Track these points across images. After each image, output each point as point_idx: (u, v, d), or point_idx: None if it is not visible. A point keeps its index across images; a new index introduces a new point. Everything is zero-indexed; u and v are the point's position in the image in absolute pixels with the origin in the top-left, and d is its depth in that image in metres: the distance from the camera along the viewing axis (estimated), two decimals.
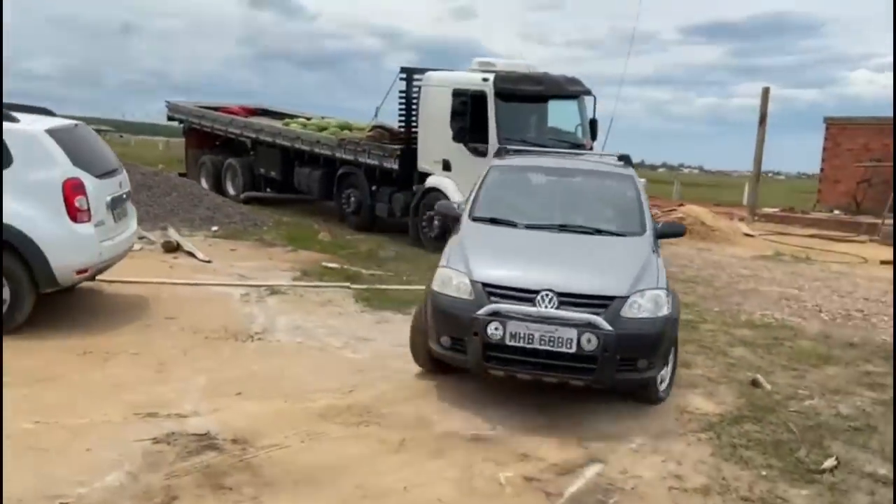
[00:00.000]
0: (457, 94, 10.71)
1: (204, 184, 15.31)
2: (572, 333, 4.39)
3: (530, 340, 4.43)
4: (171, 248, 9.91)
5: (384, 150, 12.01)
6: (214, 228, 11.84)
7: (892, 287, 10.06)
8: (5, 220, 5.50)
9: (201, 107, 16.98)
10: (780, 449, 4.32)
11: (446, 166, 10.99)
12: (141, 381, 4.87)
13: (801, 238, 15.83)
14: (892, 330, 7.50)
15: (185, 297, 7.37)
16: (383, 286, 8.32)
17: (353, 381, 5.11)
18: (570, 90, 11.01)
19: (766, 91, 18.76)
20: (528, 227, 5.51)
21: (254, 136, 15.01)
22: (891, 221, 16.42)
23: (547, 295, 4.52)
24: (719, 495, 3.72)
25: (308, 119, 15.14)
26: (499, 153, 6.83)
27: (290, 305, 7.24)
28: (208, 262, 9.43)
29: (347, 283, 8.38)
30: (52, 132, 5.85)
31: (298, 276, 8.75)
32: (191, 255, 9.69)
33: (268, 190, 15.79)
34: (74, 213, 5.71)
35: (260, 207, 14.47)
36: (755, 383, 5.49)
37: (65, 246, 5.68)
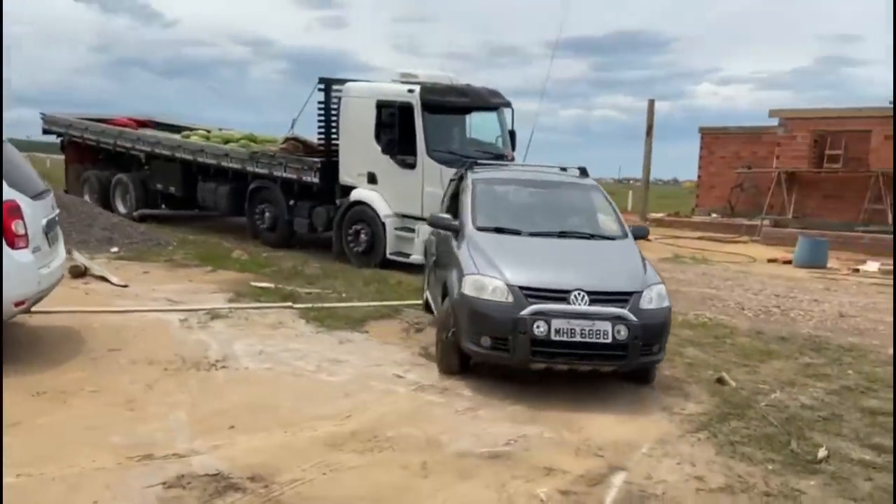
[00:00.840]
0: (381, 105, 10.60)
1: (88, 201, 14.24)
2: (607, 326, 5.06)
3: (572, 334, 5.03)
4: (79, 272, 9.13)
5: (303, 163, 11.67)
6: (114, 250, 11.06)
7: (792, 283, 10.97)
8: None
9: (83, 118, 15.83)
10: (772, 443, 4.57)
11: (372, 179, 10.83)
12: (115, 420, 4.44)
13: (692, 241, 16.89)
14: (809, 323, 8.15)
15: (118, 325, 6.81)
16: (327, 304, 8.05)
17: (345, 405, 4.91)
18: (494, 102, 11.18)
19: (651, 103, 19.93)
20: (532, 234, 6.05)
21: (149, 149, 14.15)
22: (767, 223, 17.90)
23: (579, 294, 5.16)
24: (743, 493, 3.88)
25: (208, 131, 14.46)
26: (469, 167, 7.06)
27: (240, 330, 6.86)
28: (125, 286, 8.78)
29: (289, 304, 8.06)
30: None
31: (232, 297, 8.33)
32: (103, 279, 8.98)
33: (163, 206, 14.94)
34: (12, 239, 5.14)
35: (158, 225, 13.64)
36: (721, 381, 5.78)
37: (4, 276, 5.09)
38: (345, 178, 11.26)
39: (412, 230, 10.47)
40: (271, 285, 9.06)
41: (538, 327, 5.03)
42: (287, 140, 12.43)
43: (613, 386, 5.53)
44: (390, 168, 10.58)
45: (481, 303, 5.25)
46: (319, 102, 11.39)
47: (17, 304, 5.28)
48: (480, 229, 6.04)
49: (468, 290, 5.35)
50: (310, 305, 7.96)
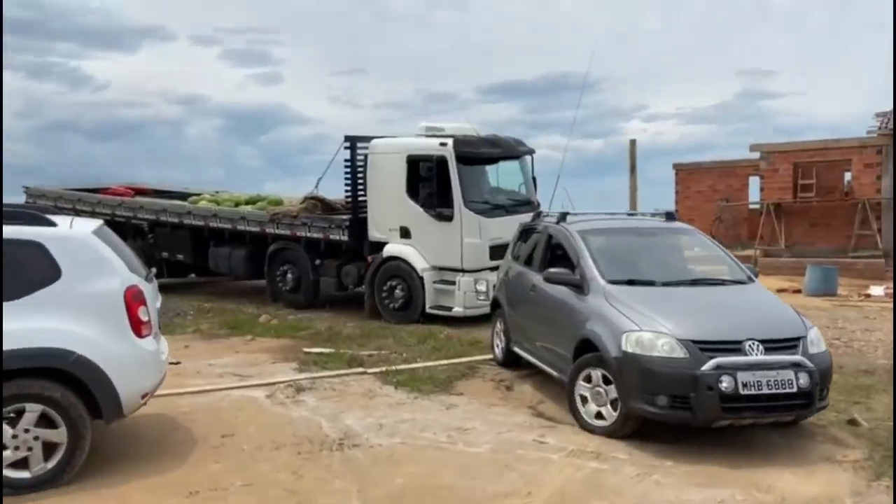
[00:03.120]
0: (413, 160, 10.51)
1: None
2: (790, 374, 4.92)
3: (759, 387, 4.87)
4: None
5: (330, 221, 11.45)
6: None
7: (824, 312, 11.20)
8: (56, 343, 4.50)
9: (72, 189, 15.23)
10: None
11: (405, 233, 10.68)
12: None
13: None
14: (877, 353, 8.30)
15: (208, 407, 6.46)
16: (401, 367, 7.82)
17: (515, 480, 4.69)
18: (521, 151, 11.24)
19: (632, 143, 20.30)
20: (666, 284, 5.93)
21: (153, 217, 13.66)
22: (759, 254, 18.39)
23: (753, 343, 5.02)
24: None
25: (213, 195, 14.10)
26: (562, 218, 6.97)
27: (336, 402, 6.57)
28: (178, 363, 8.31)
29: (362, 369, 7.80)
30: (97, 233, 4.93)
31: (299, 367, 8.01)
32: None
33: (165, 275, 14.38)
34: (139, 327, 4.81)
35: (165, 295, 13.08)
36: (853, 422, 5.75)
37: (132, 367, 4.75)
38: (375, 234, 11.07)
39: (452, 282, 10.33)
40: (328, 350, 8.77)
41: (723, 382, 4.84)
42: (306, 199, 12.20)
43: (755, 435, 5.46)
44: (424, 221, 10.45)
45: (653, 360, 5.06)
46: (346, 160, 11.23)
47: (143, 397, 4.92)
48: (613, 282, 5.86)
49: (632, 347, 5.17)
50: (384, 369, 7.72)
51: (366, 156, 11.12)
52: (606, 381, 5.45)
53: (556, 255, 6.84)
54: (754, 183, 22.60)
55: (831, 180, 19.94)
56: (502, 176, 11.52)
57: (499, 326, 7.88)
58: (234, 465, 4.97)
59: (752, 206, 22.12)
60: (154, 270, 5.88)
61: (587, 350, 5.64)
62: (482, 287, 10.19)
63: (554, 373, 6.35)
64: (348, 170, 11.23)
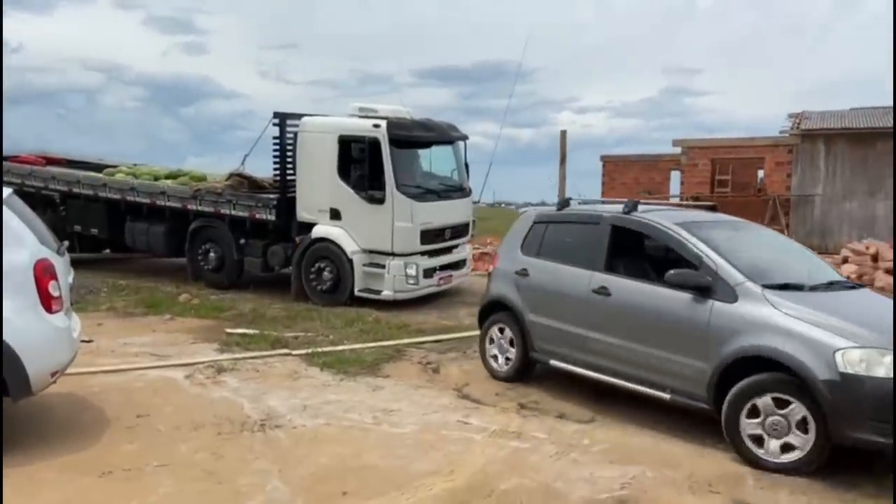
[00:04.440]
0: (345, 140, 10.37)
1: None
2: None
3: None
4: None
5: (257, 200, 11.17)
6: None
7: None
8: None
9: None
10: None
11: (335, 215, 10.53)
12: (214, 498, 4.05)
13: None
14: None
15: (122, 387, 6.23)
16: (327, 349, 7.73)
17: (439, 459, 4.73)
18: (455, 136, 11.23)
19: (563, 133, 20.60)
20: (813, 288, 5.25)
21: (65, 188, 13.01)
22: None
23: None
24: None
25: (130, 168, 13.53)
26: (632, 207, 6.07)
27: (259, 383, 6.45)
28: (90, 341, 8.01)
29: (286, 350, 7.68)
30: (6, 203, 4.65)
31: (220, 347, 7.82)
32: None
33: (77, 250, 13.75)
34: (49, 303, 4.58)
35: (77, 272, 12.50)
36: None
37: (41, 344, 4.52)
38: (303, 214, 10.87)
39: (382, 266, 10.27)
40: (252, 331, 8.59)
41: None
42: (231, 176, 11.85)
43: (662, 410, 5.66)
44: (356, 204, 10.33)
45: (884, 382, 4.29)
46: (274, 138, 10.96)
47: (52, 374, 4.70)
48: (769, 287, 4.95)
49: (853, 367, 4.35)
50: (310, 351, 7.62)
51: (296, 134, 10.88)
52: (779, 405, 4.63)
53: (631, 252, 6.10)
54: (675, 177, 23.48)
55: (746, 176, 20.86)
56: (435, 161, 11.49)
57: (502, 333, 6.71)
58: (150, 446, 4.81)
59: (672, 199, 22.93)
60: (66, 244, 5.61)
61: (749, 370, 4.75)
62: (412, 271, 10.18)
63: (653, 392, 5.38)
64: (277, 148, 10.96)
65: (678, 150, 20.72)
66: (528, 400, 6.12)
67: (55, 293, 4.62)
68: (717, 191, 20.36)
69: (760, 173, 20.75)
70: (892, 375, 4.30)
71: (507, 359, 6.69)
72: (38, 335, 4.48)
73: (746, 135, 20.33)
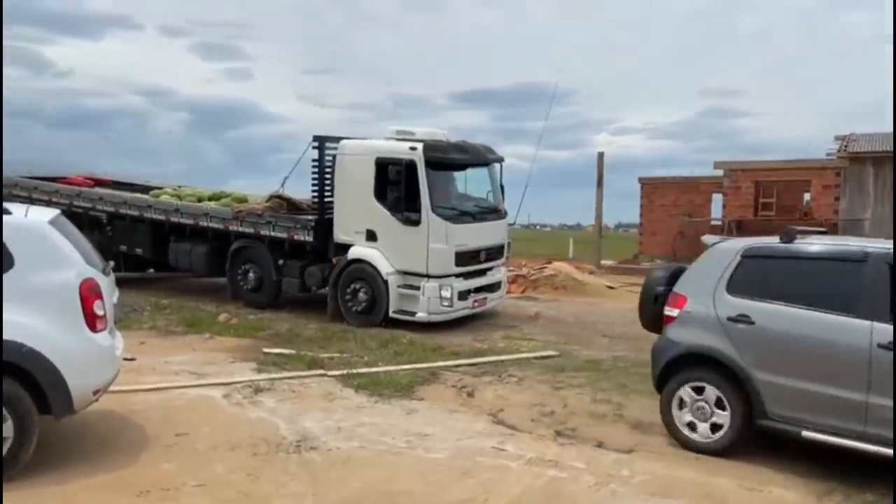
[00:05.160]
0: (381, 162, 10.47)
1: None
2: None
3: None
4: None
5: (295, 221, 11.32)
6: None
7: None
8: (7, 335, 4.35)
9: (29, 178, 14.83)
10: None
11: (371, 236, 10.61)
12: None
13: None
14: None
15: (163, 405, 6.32)
16: (363, 370, 7.75)
17: (473, 487, 4.67)
18: (490, 158, 11.27)
19: (600, 155, 20.62)
20: None
21: (112, 209, 13.35)
22: None
23: None
24: None
25: (175, 189, 13.85)
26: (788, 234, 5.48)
27: (295, 404, 6.48)
28: (132, 359, 8.16)
29: (322, 371, 7.72)
30: (53, 223, 4.79)
31: (258, 367, 7.90)
32: None
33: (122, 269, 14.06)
34: (94, 322, 4.68)
35: (121, 290, 12.75)
36: None
37: (84, 362, 4.62)
38: (340, 235, 10.98)
39: (417, 287, 10.29)
40: (289, 351, 8.67)
41: None
42: (271, 198, 12.06)
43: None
44: (391, 225, 10.40)
45: None
46: (314, 160, 11.12)
47: (95, 393, 4.79)
48: None
49: None
50: (345, 372, 7.64)
51: (334, 156, 11.03)
52: None
53: None
54: (717, 200, 23.15)
55: (791, 199, 20.45)
56: (471, 183, 11.53)
57: (699, 394, 5.48)
58: (188, 465, 4.86)
59: (713, 223, 22.58)
60: (112, 264, 5.74)
61: None
62: (447, 293, 10.18)
63: None
64: (316, 170, 11.12)
65: (719, 172, 20.44)
66: (566, 427, 6.03)
67: (100, 312, 4.72)
68: (760, 214, 20.01)
69: (806, 196, 20.34)
70: None
71: (715, 426, 5.38)
72: (81, 353, 4.58)
73: (789, 157, 19.98)
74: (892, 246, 5.06)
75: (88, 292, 4.66)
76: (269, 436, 5.54)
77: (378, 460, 5.11)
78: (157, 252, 13.06)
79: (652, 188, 23.92)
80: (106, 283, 5.02)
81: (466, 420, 6.20)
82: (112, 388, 6.24)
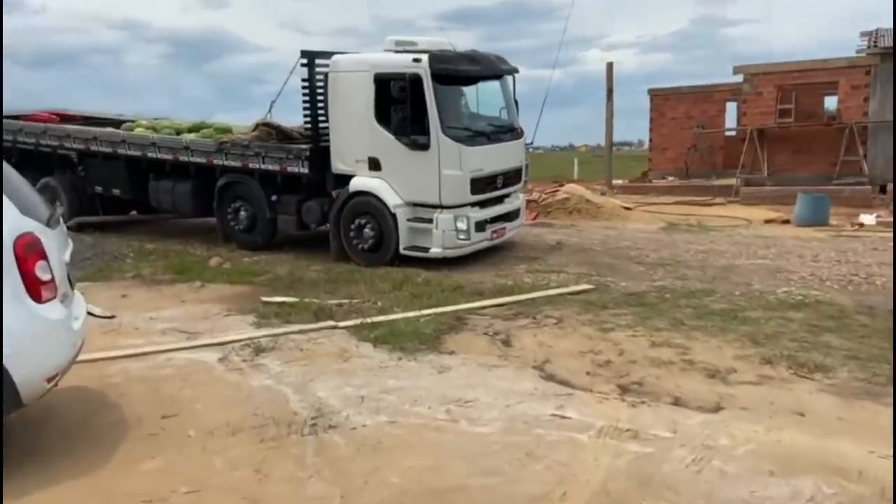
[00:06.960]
0: (382, 79, 9.16)
1: None
2: None
3: None
4: None
5: (287, 151, 10.07)
6: None
7: (826, 244, 10.42)
8: None
9: None
10: None
11: (374, 165, 9.41)
12: None
13: (668, 206, 16.26)
14: None
15: (146, 376, 5.29)
16: (377, 319, 6.71)
17: (541, 473, 3.68)
18: (505, 69, 9.96)
19: (609, 66, 19.17)
20: None
21: (82, 146, 12.05)
22: (740, 182, 17.61)
23: None
24: None
25: (151, 122, 12.51)
26: None
27: (303, 366, 5.46)
28: (112, 317, 7.14)
29: (332, 323, 6.68)
30: None
31: (255, 321, 6.87)
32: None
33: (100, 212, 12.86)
34: (37, 289, 3.57)
35: (101, 235, 11.68)
36: None
37: (29, 343, 3.53)
38: (339, 165, 9.76)
39: (429, 220, 9.17)
40: (291, 299, 7.62)
41: None
42: (258, 126, 10.74)
43: (803, 386, 4.56)
44: (397, 151, 9.18)
45: None
46: (303, 80, 9.78)
47: (49, 380, 3.72)
48: None
49: None
50: (359, 322, 6.62)
51: (326, 75, 9.69)
52: None
53: None
54: (731, 108, 21.77)
55: (810, 105, 19.08)
56: (481, 98, 10.25)
57: None
58: (177, 462, 3.85)
59: (728, 134, 21.30)
60: (61, 209, 4.59)
61: None
62: (462, 224, 9.08)
63: None
64: (306, 91, 9.80)
65: (735, 79, 18.97)
66: (630, 381, 5.04)
67: (44, 276, 3.61)
68: (778, 121, 18.70)
69: (827, 101, 18.99)
70: None
71: None
72: (24, 332, 3.49)
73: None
74: None
75: (26, 251, 3.53)
76: (278, 412, 4.53)
77: (416, 440, 4.11)
78: (136, 192, 11.84)
79: (662, 100, 22.46)
80: (53, 238, 3.88)
81: (510, 377, 5.19)
82: (88, 355, 5.22)
